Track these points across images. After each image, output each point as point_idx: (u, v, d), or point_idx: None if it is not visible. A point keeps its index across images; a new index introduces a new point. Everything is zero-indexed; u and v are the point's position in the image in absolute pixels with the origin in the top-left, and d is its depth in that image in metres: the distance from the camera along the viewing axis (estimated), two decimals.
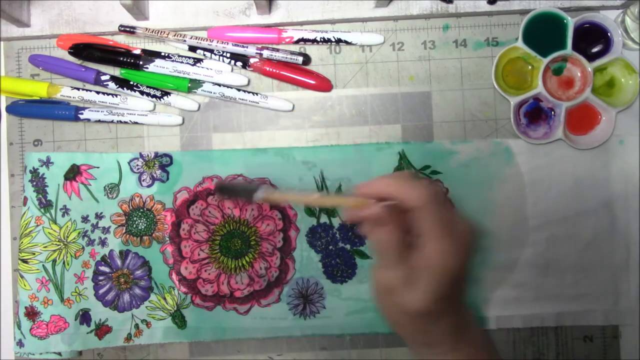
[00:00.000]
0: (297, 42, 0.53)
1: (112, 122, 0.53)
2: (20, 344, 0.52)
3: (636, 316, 0.52)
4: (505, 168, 0.53)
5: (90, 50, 0.53)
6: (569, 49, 0.52)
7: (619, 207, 0.53)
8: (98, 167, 0.53)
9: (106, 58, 0.53)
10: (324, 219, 0.53)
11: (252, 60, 0.53)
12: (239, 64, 0.53)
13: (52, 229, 0.52)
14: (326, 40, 0.53)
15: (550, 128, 0.53)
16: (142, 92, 0.53)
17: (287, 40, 0.53)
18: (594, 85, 0.52)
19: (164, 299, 0.53)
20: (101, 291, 0.53)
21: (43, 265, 0.52)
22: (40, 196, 0.52)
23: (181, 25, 0.53)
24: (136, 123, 0.53)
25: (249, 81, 0.53)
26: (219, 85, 0.53)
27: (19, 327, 0.52)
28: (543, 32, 0.52)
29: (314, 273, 0.53)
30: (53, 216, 0.52)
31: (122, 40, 0.54)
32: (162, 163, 0.53)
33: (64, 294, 0.52)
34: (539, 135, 0.53)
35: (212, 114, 0.54)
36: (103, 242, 0.53)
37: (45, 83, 0.53)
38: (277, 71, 0.53)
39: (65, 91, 0.53)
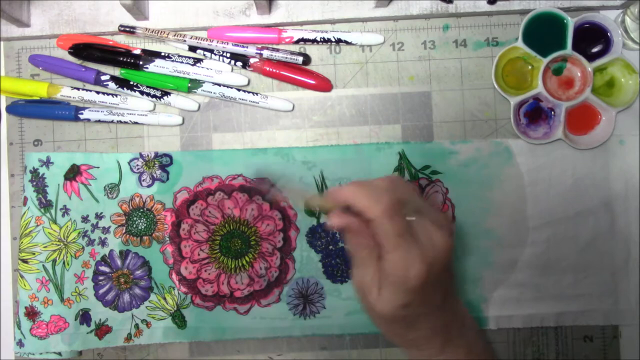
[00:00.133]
0: (297, 42, 0.53)
1: (112, 122, 0.53)
2: (20, 344, 0.52)
3: (636, 316, 0.52)
4: (505, 168, 0.53)
5: (90, 50, 0.53)
6: (569, 49, 0.52)
7: (619, 207, 0.53)
8: (98, 167, 0.53)
9: (106, 58, 0.53)
10: (324, 219, 0.53)
11: (252, 60, 0.53)
12: (239, 64, 0.53)
13: (52, 229, 0.52)
14: (326, 40, 0.53)
15: (550, 128, 0.53)
16: (142, 92, 0.53)
17: (287, 40, 0.53)
18: (594, 85, 0.52)
19: (164, 299, 0.53)
20: (101, 291, 0.53)
21: (43, 265, 0.52)
22: (40, 196, 0.52)
23: (181, 25, 0.53)
24: (136, 123, 0.53)
25: (249, 81, 0.53)
26: (219, 85, 0.53)
27: (19, 327, 0.52)
28: (543, 32, 0.52)
29: (314, 273, 0.53)
30: (53, 216, 0.52)
31: (122, 40, 0.54)
32: (162, 163, 0.53)
33: (64, 294, 0.52)
34: (538, 135, 0.53)
35: (212, 114, 0.54)
36: (103, 242, 0.53)
37: (45, 83, 0.53)
38: (277, 71, 0.53)
39: (65, 91, 0.53)
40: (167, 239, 0.53)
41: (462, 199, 0.52)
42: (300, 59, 0.52)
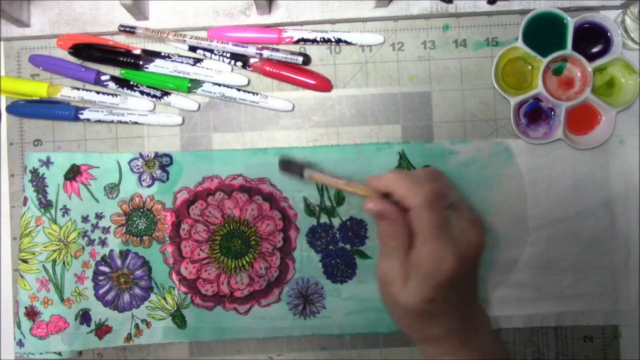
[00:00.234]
0: (297, 42, 0.53)
1: (112, 122, 0.53)
2: (20, 344, 0.52)
3: (636, 316, 0.52)
4: (505, 168, 0.53)
5: (90, 50, 0.53)
6: (568, 49, 0.52)
7: (619, 207, 0.53)
8: (98, 167, 0.53)
9: (106, 58, 0.53)
10: (324, 219, 0.53)
11: (252, 60, 0.53)
12: (239, 64, 0.53)
13: (52, 229, 0.52)
14: (326, 40, 0.53)
15: (550, 128, 0.53)
16: (142, 92, 0.53)
17: (287, 40, 0.53)
18: (594, 85, 0.52)
19: (164, 299, 0.53)
20: (101, 291, 0.53)
21: (43, 265, 0.52)
22: (40, 196, 0.52)
23: (181, 25, 0.53)
24: (136, 123, 0.53)
25: (249, 81, 0.53)
26: (219, 85, 0.53)
27: (19, 327, 0.52)
28: (543, 32, 0.52)
29: (314, 273, 0.53)
30: (53, 216, 0.52)
31: (122, 40, 0.54)
32: (162, 163, 0.53)
33: (64, 294, 0.52)
34: (538, 135, 0.53)
35: (212, 114, 0.54)
36: (103, 242, 0.53)
37: (45, 83, 0.53)
38: (277, 71, 0.53)
39: (65, 91, 0.53)
40: (167, 239, 0.53)
41: None
42: (300, 59, 0.52)
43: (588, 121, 0.53)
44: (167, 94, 0.53)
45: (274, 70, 0.53)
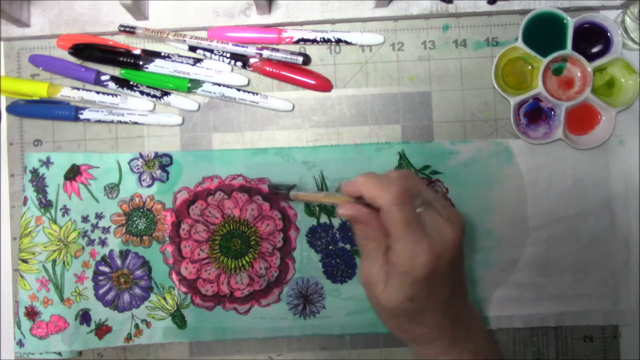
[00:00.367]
0: (297, 42, 0.53)
1: (112, 122, 0.53)
2: (20, 343, 0.52)
3: (636, 316, 0.52)
4: (505, 168, 0.53)
5: (90, 50, 0.53)
6: (568, 49, 0.52)
7: (619, 207, 0.53)
8: (98, 167, 0.53)
9: (106, 58, 0.53)
10: (324, 219, 0.53)
11: (252, 60, 0.53)
12: (239, 64, 0.53)
13: (52, 229, 0.52)
14: (326, 40, 0.53)
15: (550, 128, 0.53)
16: (142, 92, 0.53)
17: (287, 40, 0.53)
18: (594, 85, 0.52)
19: (164, 299, 0.53)
20: (101, 291, 0.53)
21: (43, 265, 0.52)
22: (40, 196, 0.52)
23: (181, 25, 0.53)
24: (136, 123, 0.53)
25: (249, 81, 0.53)
26: (219, 85, 0.53)
27: (19, 327, 0.52)
28: (543, 32, 0.52)
29: (314, 273, 0.53)
30: (53, 216, 0.52)
31: (122, 40, 0.54)
32: (162, 163, 0.53)
33: (64, 293, 0.52)
34: (538, 135, 0.53)
35: (212, 114, 0.54)
36: (103, 242, 0.53)
37: (45, 83, 0.53)
38: (277, 71, 0.53)
39: (65, 91, 0.53)
40: (167, 239, 0.53)
41: (462, 199, 0.52)
42: (300, 59, 0.52)
43: (588, 121, 0.53)
44: (167, 94, 0.53)
45: (274, 70, 0.53)
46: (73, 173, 0.53)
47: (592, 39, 0.53)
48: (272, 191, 0.49)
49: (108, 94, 0.53)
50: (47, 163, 0.53)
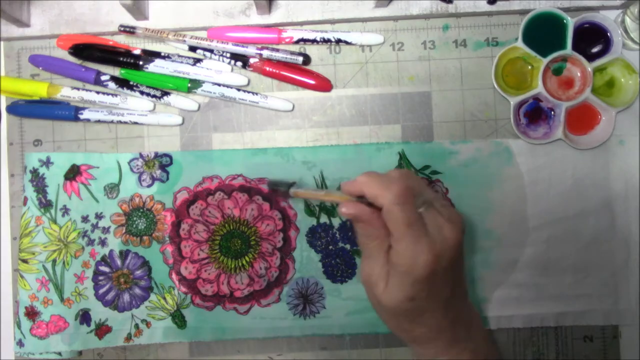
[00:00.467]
0: (297, 42, 0.53)
1: (112, 122, 0.53)
2: (20, 343, 0.52)
3: (636, 316, 0.52)
4: (505, 168, 0.53)
5: (90, 51, 0.53)
6: (568, 49, 0.52)
7: (619, 207, 0.53)
8: (98, 167, 0.53)
9: (106, 58, 0.53)
10: (324, 219, 0.53)
11: (252, 60, 0.53)
12: (239, 64, 0.53)
13: (52, 229, 0.52)
14: (326, 40, 0.53)
15: (550, 128, 0.53)
16: (142, 92, 0.53)
17: (287, 40, 0.53)
18: (594, 85, 0.52)
19: (164, 298, 0.53)
20: (101, 291, 0.53)
21: (43, 265, 0.52)
22: (40, 196, 0.52)
23: (181, 25, 0.53)
24: (136, 123, 0.53)
25: (249, 81, 0.53)
26: (219, 85, 0.53)
27: (19, 327, 0.52)
28: (543, 32, 0.52)
29: (314, 273, 0.53)
30: (53, 216, 0.52)
31: (122, 40, 0.54)
32: (162, 163, 0.53)
33: (64, 293, 0.52)
34: (538, 135, 0.53)
35: (212, 114, 0.54)
36: (103, 242, 0.53)
37: (45, 83, 0.53)
38: (277, 71, 0.53)
39: (65, 91, 0.53)
40: (167, 239, 0.53)
41: (462, 199, 0.52)
42: (300, 59, 0.52)
43: (588, 121, 0.53)
44: (167, 94, 0.53)
45: (274, 70, 0.53)
46: (73, 173, 0.53)
47: (592, 39, 0.53)
48: (272, 188, 0.49)
49: (108, 94, 0.53)
50: (47, 163, 0.53)
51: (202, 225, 0.53)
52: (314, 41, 0.53)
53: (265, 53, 0.52)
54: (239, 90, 0.53)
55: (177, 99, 0.53)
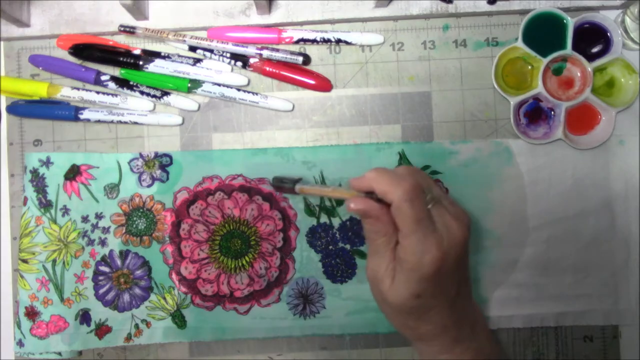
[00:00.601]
0: (297, 42, 0.53)
1: (112, 122, 0.53)
2: (20, 343, 0.52)
3: (636, 316, 0.52)
4: (505, 168, 0.53)
5: (90, 51, 0.53)
6: (568, 49, 0.52)
7: (619, 207, 0.53)
8: (98, 167, 0.53)
9: (106, 58, 0.53)
10: (323, 219, 0.53)
11: (252, 60, 0.53)
12: (239, 64, 0.53)
13: (52, 229, 0.52)
14: (326, 40, 0.53)
15: (550, 128, 0.53)
16: (142, 92, 0.53)
17: (287, 40, 0.53)
18: (594, 85, 0.52)
19: (164, 298, 0.53)
20: (101, 291, 0.53)
21: (43, 265, 0.52)
22: (40, 196, 0.52)
23: (181, 25, 0.53)
24: (136, 123, 0.53)
25: (249, 81, 0.53)
26: (219, 85, 0.53)
27: (19, 327, 0.52)
28: (543, 32, 0.52)
29: (314, 273, 0.53)
30: (53, 216, 0.52)
31: (122, 40, 0.54)
32: (162, 163, 0.53)
33: (64, 293, 0.52)
34: (538, 135, 0.53)
35: (212, 114, 0.54)
36: (103, 242, 0.53)
37: (45, 83, 0.53)
38: (277, 71, 0.53)
39: (65, 91, 0.53)
40: (167, 239, 0.53)
41: (462, 199, 0.52)
42: (300, 59, 0.52)
43: (588, 121, 0.53)
44: (167, 94, 0.53)
45: (274, 70, 0.53)
46: (73, 173, 0.53)
47: (592, 39, 0.53)
48: (277, 185, 0.49)
49: (108, 94, 0.53)
50: (47, 163, 0.53)
51: (202, 225, 0.53)
52: (314, 41, 0.53)
53: (265, 53, 0.52)
54: (239, 90, 0.53)
55: (177, 99, 0.53)
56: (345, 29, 0.54)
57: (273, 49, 0.52)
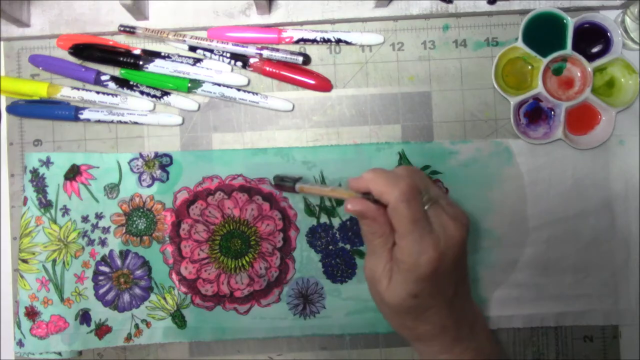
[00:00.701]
0: (297, 42, 0.53)
1: (112, 122, 0.53)
2: (20, 343, 0.52)
3: (636, 316, 0.52)
4: (505, 168, 0.53)
5: (90, 50, 0.53)
6: (568, 49, 0.52)
7: (619, 207, 0.53)
8: (98, 167, 0.53)
9: (106, 58, 0.53)
10: (323, 219, 0.53)
11: (252, 60, 0.53)
12: (239, 64, 0.53)
13: (52, 229, 0.52)
14: (326, 40, 0.53)
15: (550, 128, 0.53)
16: (142, 92, 0.53)
17: (287, 40, 0.53)
18: (594, 85, 0.52)
19: (164, 298, 0.53)
20: (101, 291, 0.53)
21: (43, 265, 0.52)
22: (40, 196, 0.52)
23: (181, 25, 0.53)
24: (136, 123, 0.53)
25: (249, 81, 0.53)
26: (219, 85, 0.53)
27: (19, 327, 0.52)
28: (543, 32, 0.52)
29: (314, 273, 0.53)
30: (53, 216, 0.52)
31: (122, 40, 0.54)
32: (162, 163, 0.53)
33: (64, 293, 0.52)
34: (538, 135, 0.53)
35: (212, 114, 0.54)
36: (103, 242, 0.53)
37: (45, 83, 0.53)
38: (277, 71, 0.53)
39: (65, 91, 0.53)
40: (167, 239, 0.53)
41: (462, 199, 0.52)
42: (300, 59, 0.52)
43: (588, 121, 0.53)
44: (167, 94, 0.53)
45: (274, 70, 0.53)
46: (73, 173, 0.53)
47: (592, 39, 0.53)
48: (277, 183, 0.49)
49: (108, 94, 0.53)
50: (47, 163, 0.53)
51: (202, 225, 0.53)
52: (314, 41, 0.53)
53: (265, 53, 0.52)
54: (239, 90, 0.53)
55: (177, 99, 0.53)
56: (345, 29, 0.54)
57: (273, 49, 0.52)
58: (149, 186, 0.53)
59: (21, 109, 0.53)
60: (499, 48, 0.53)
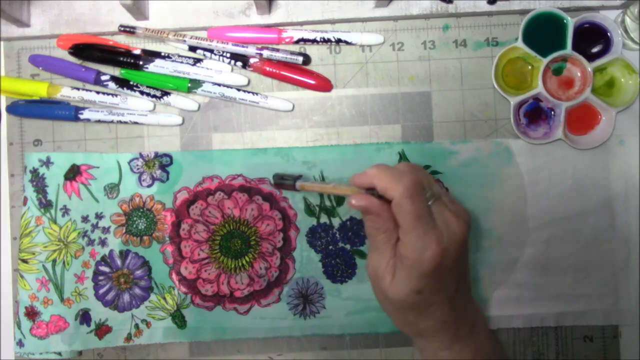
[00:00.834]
0: (297, 42, 0.53)
1: (112, 122, 0.53)
2: (20, 343, 0.52)
3: (636, 316, 0.52)
4: (505, 168, 0.53)
5: (90, 50, 0.53)
6: (568, 49, 0.52)
7: (619, 207, 0.53)
8: (98, 167, 0.53)
9: (106, 58, 0.53)
10: (324, 219, 0.53)
11: (252, 60, 0.53)
12: (239, 64, 0.53)
13: (52, 229, 0.52)
14: (326, 40, 0.53)
15: (550, 128, 0.53)
16: (142, 92, 0.53)
17: (287, 40, 0.53)
18: (594, 85, 0.52)
19: (164, 298, 0.53)
20: (101, 291, 0.53)
21: (43, 265, 0.52)
22: (40, 196, 0.52)
23: (181, 25, 0.53)
24: (136, 123, 0.53)
25: (249, 81, 0.53)
26: (219, 85, 0.53)
27: (19, 327, 0.52)
28: (543, 32, 0.52)
29: (314, 273, 0.53)
30: (53, 216, 0.52)
31: (122, 40, 0.54)
32: (162, 163, 0.53)
33: (64, 293, 0.52)
34: (538, 135, 0.53)
35: (212, 114, 0.54)
36: (103, 242, 0.53)
37: (45, 83, 0.53)
38: (277, 71, 0.53)
39: (65, 91, 0.53)
40: (167, 239, 0.53)
41: (462, 199, 0.52)
42: (300, 59, 0.52)
43: (588, 121, 0.53)
44: (167, 94, 0.53)
45: (274, 70, 0.53)
46: (73, 173, 0.53)
47: (592, 39, 0.53)
48: (277, 182, 0.49)
49: (108, 94, 0.53)
50: (47, 163, 0.53)
51: (202, 225, 0.53)
52: (314, 41, 0.53)
53: (265, 53, 0.52)
54: (239, 90, 0.53)
55: (177, 99, 0.53)
56: (345, 29, 0.54)
57: (273, 49, 0.52)
58: (149, 186, 0.53)
59: (21, 109, 0.53)
60: (499, 48, 0.53)
